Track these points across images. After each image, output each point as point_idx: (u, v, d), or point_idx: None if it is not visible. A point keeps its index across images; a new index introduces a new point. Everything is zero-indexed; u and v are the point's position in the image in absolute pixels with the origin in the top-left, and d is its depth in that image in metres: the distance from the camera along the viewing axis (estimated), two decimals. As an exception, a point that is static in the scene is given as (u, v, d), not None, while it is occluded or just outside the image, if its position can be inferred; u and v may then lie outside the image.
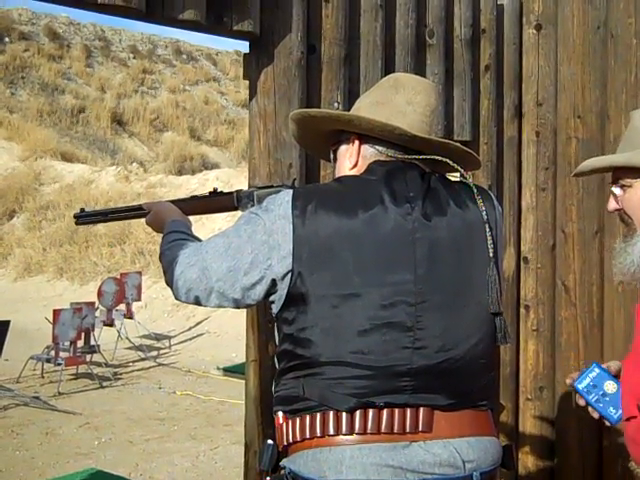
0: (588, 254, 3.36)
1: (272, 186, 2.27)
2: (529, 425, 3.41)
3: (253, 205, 2.20)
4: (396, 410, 1.70)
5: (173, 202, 2.30)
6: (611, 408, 1.88)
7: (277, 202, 1.77)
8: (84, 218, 2.43)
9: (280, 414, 1.79)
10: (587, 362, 3.35)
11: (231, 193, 2.30)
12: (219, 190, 2.32)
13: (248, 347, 2.71)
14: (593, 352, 3.35)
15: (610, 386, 1.89)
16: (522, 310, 3.44)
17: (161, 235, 2.10)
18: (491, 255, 1.79)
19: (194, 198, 2.36)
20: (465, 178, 1.86)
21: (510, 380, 3.39)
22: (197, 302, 1.86)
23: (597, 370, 1.90)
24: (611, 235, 3.30)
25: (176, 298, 1.90)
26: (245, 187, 2.40)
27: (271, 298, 1.80)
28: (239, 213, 2.13)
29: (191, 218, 2.27)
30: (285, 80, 2.69)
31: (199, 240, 2.01)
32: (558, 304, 3.42)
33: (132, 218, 2.44)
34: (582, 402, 1.92)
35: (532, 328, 3.43)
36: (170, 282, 1.90)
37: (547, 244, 3.43)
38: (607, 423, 1.91)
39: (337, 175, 1.93)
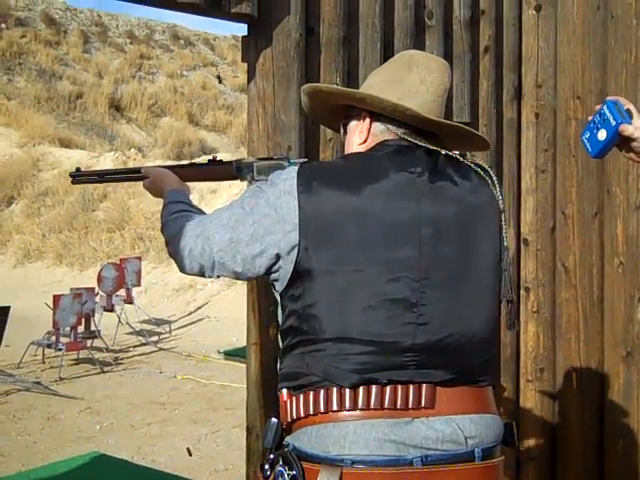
0: (588, 235, 3.36)
1: (272, 158, 2.26)
2: (530, 406, 3.42)
3: (253, 176, 2.20)
4: (399, 387, 1.70)
5: (172, 168, 2.29)
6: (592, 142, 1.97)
7: (282, 177, 1.78)
8: (80, 177, 2.40)
9: (284, 391, 1.80)
10: (587, 343, 3.36)
11: (231, 162, 2.28)
12: (219, 159, 2.31)
13: (249, 330, 2.71)
14: (593, 333, 3.36)
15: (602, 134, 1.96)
16: (522, 292, 3.44)
17: (160, 206, 2.09)
18: (505, 244, 1.83)
19: (193, 165, 2.35)
20: (479, 165, 1.87)
21: (511, 362, 3.40)
22: (201, 272, 1.86)
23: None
24: (611, 216, 3.30)
25: (180, 270, 1.90)
26: None
27: (274, 276, 1.80)
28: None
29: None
30: (284, 62, 2.68)
31: (200, 210, 2.02)
32: (558, 286, 3.42)
33: (129, 181, 2.44)
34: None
35: (532, 310, 3.43)
36: (174, 253, 1.90)
37: (547, 226, 3.42)
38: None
39: (346, 148, 1.94)
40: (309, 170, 1.79)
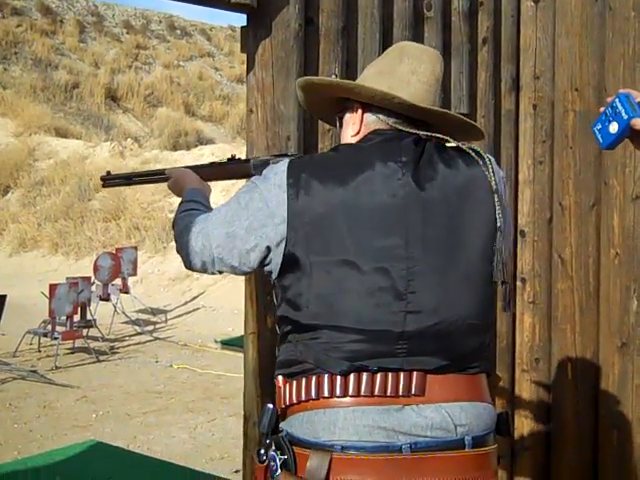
0: (585, 227, 3.38)
1: (287, 155, 2.29)
2: (525, 396, 3.44)
3: None
4: (389, 374, 1.72)
5: (193, 168, 2.35)
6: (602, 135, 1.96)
7: (274, 171, 1.82)
8: (110, 181, 2.53)
9: (280, 378, 1.83)
10: (583, 334, 3.38)
11: (248, 160, 2.34)
12: (237, 157, 2.37)
13: (246, 320, 2.72)
14: (589, 324, 3.37)
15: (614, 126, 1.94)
16: (519, 283, 3.46)
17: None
18: (499, 225, 1.82)
19: (213, 164, 2.41)
20: (471, 147, 1.87)
21: (506, 352, 3.41)
22: (204, 269, 1.92)
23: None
24: (607, 208, 3.31)
25: (186, 266, 1.95)
26: None
27: (267, 268, 1.84)
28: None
29: None
30: (283, 52, 2.68)
31: (211, 209, 2.05)
32: (554, 277, 3.43)
33: (154, 182, 2.53)
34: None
35: (528, 301, 3.45)
36: (180, 250, 1.96)
37: (544, 217, 3.43)
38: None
39: (341, 140, 1.97)
40: (298, 163, 1.83)
